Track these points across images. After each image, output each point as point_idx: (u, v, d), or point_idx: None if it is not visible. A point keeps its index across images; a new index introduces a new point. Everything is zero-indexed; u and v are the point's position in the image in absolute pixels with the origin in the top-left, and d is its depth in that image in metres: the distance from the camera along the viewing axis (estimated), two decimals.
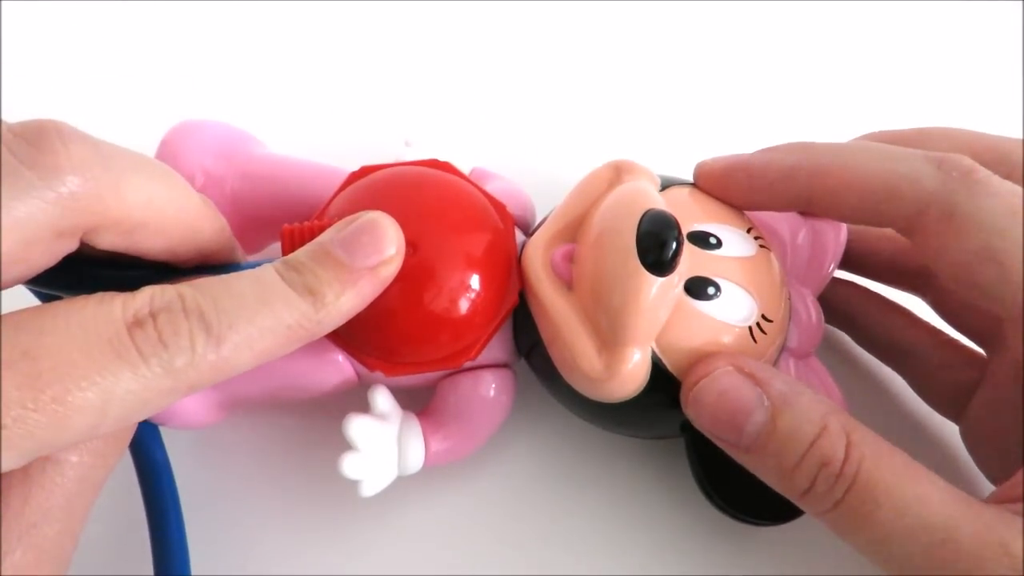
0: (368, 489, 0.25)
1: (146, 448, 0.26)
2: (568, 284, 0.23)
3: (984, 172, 0.21)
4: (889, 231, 0.23)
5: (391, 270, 0.21)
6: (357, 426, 0.24)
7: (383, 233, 0.21)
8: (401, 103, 0.35)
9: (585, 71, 0.37)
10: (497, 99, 0.36)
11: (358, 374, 0.26)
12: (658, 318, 0.21)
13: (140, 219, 0.19)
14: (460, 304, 0.23)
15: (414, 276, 0.23)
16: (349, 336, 0.24)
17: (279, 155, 0.29)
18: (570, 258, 0.23)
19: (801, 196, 0.23)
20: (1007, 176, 0.21)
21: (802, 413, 0.21)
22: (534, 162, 0.33)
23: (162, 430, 0.26)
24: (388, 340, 0.23)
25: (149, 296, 0.18)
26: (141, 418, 0.18)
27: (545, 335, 0.23)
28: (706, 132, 0.35)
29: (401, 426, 0.25)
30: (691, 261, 0.22)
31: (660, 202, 0.22)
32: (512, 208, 0.27)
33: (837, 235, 0.26)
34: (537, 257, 0.23)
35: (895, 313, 0.28)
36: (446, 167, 0.25)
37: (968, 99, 0.37)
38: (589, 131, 0.35)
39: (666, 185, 0.24)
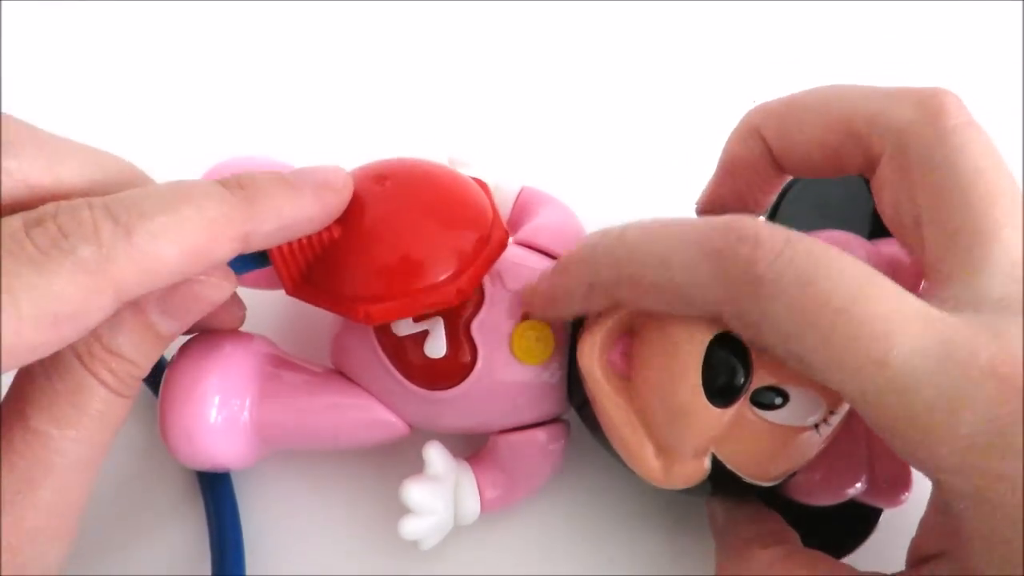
0: (427, 544, 0.25)
1: (216, 491, 0.26)
2: (626, 377, 0.22)
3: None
4: None
5: (334, 199, 0.22)
6: (414, 492, 0.24)
7: (330, 169, 0.22)
8: (447, 125, 0.34)
9: (636, 91, 0.36)
10: (545, 118, 0.35)
11: (410, 426, 0.25)
12: (718, 436, 0.21)
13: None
14: (432, 227, 0.23)
15: (383, 205, 0.23)
16: (329, 290, 0.23)
17: None
18: (629, 353, 0.22)
19: (765, 169, 0.24)
20: (885, 150, 0.22)
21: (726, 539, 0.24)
22: (585, 181, 0.32)
23: None
24: (366, 275, 0.22)
25: (53, 204, 0.17)
26: (77, 321, 0.17)
27: (604, 428, 0.23)
28: None
29: (456, 480, 0.25)
30: (759, 370, 0.21)
31: None
32: (562, 245, 0.26)
33: (910, 279, 0.24)
34: (595, 354, 0.22)
35: None
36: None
37: (968, 99, 0.37)
38: (642, 150, 0.34)
39: None
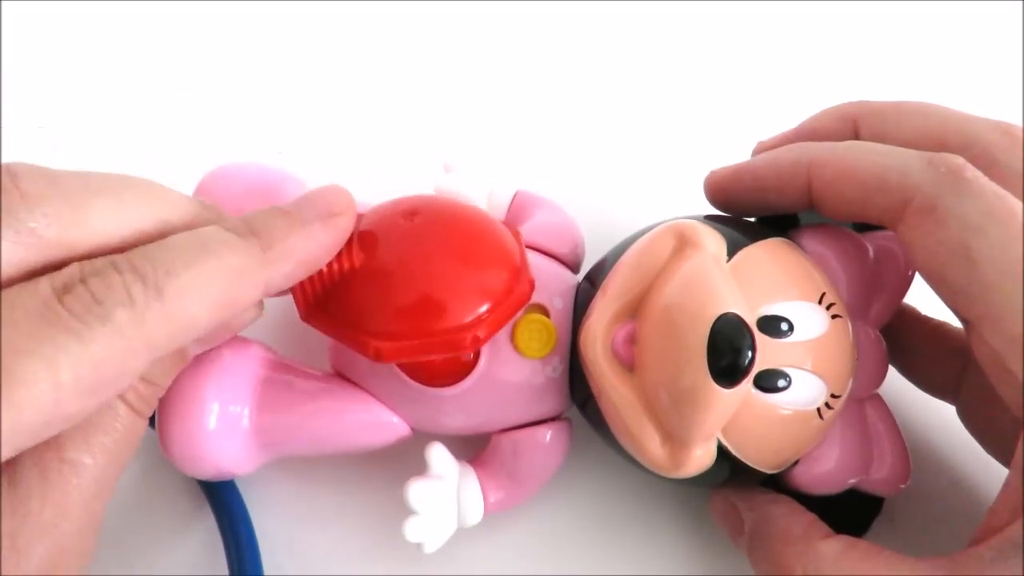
0: (430, 547, 0.25)
1: (225, 501, 0.26)
2: (629, 366, 0.22)
3: (973, 172, 0.21)
4: None
5: (343, 222, 0.21)
6: (416, 492, 0.24)
7: (334, 192, 0.22)
8: (441, 129, 0.35)
9: (629, 96, 0.36)
10: (540, 123, 0.35)
11: (413, 430, 0.25)
12: (725, 420, 0.21)
13: (118, 243, 0.19)
14: (456, 269, 0.22)
15: (409, 241, 0.22)
16: (343, 320, 0.22)
17: None
18: (631, 340, 0.22)
19: (804, 190, 0.24)
20: (974, 159, 0.22)
21: (774, 536, 0.24)
22: (582, 186, 0.33)
23: None
24: (382, 312, 0.22)
25: (77, 267, 0.17)
26: (113, 384, 0.18)
27: (607, 418, 0.23)
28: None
29: (459, 481, 0.25)
30: (762, 354, 0.21)
31: (731, 296, 0.21)
32: (560, 244, 0.26)
33: (901, 267, 0.25)
34: (597, 342, 0.22)
35: None
36: None
37: (968, 99, 0.37)
38: (639, 154, 0.34)
39: (732, 246, 0.23)
